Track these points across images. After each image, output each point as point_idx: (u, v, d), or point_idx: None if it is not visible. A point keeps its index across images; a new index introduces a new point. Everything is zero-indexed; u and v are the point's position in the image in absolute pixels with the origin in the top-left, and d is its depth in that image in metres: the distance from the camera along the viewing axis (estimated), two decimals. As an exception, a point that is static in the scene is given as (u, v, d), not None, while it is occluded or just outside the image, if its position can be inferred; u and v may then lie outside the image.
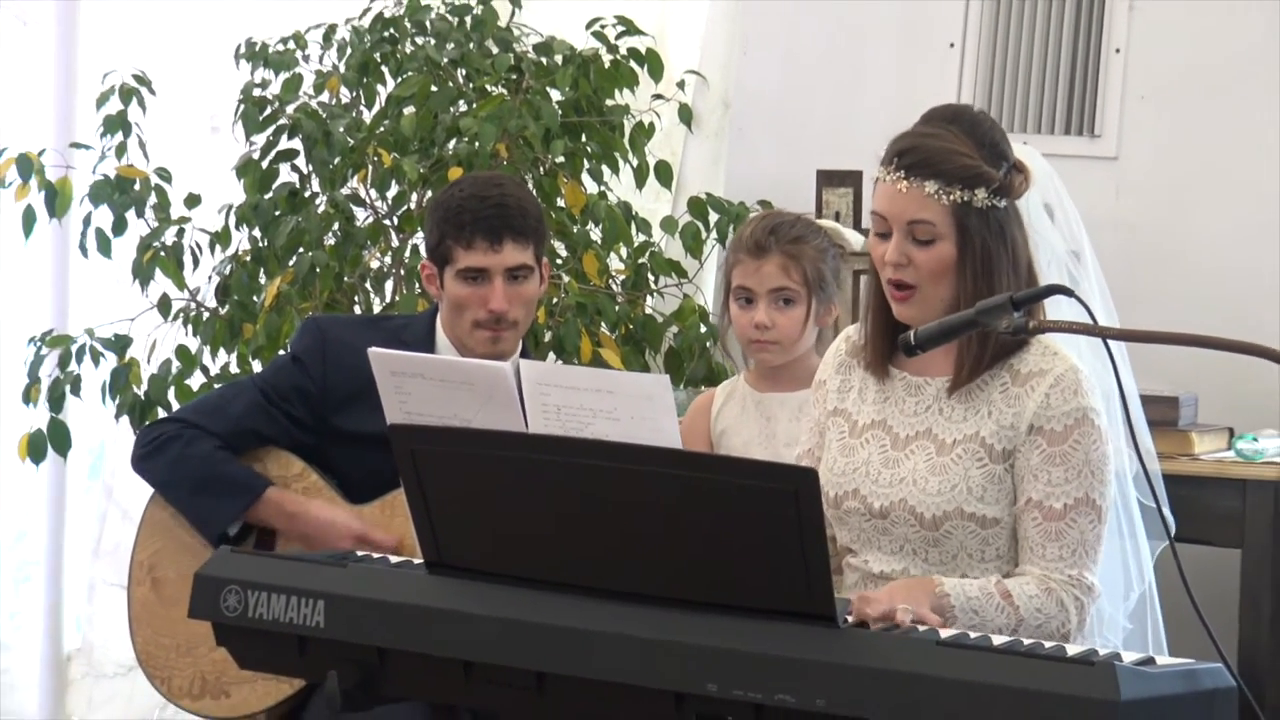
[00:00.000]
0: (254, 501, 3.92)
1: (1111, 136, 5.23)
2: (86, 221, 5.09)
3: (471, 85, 5.04)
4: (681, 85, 5.17)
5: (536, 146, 4.89)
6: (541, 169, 4.96)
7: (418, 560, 3.08)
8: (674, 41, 5.51)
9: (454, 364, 3.42)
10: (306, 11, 5.29)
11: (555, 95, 5.04)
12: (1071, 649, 2.77)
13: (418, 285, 4.90)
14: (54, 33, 5.82)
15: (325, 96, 5.09)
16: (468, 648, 2.86)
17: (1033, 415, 3.20)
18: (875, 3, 5.53)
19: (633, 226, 5.02)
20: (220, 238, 5.11)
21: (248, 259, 5.05)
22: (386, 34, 5.10)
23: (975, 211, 3.20)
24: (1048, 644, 2.83)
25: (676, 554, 2.75)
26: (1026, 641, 2.81)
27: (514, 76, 5.04)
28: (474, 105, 4.96)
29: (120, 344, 5.08)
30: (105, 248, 5.09)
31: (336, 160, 4.98)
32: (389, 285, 5.05)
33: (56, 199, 5.08)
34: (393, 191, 5.03)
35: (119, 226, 5.07)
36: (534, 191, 4.57)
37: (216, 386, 4.82)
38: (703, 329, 4.97)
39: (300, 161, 5.08)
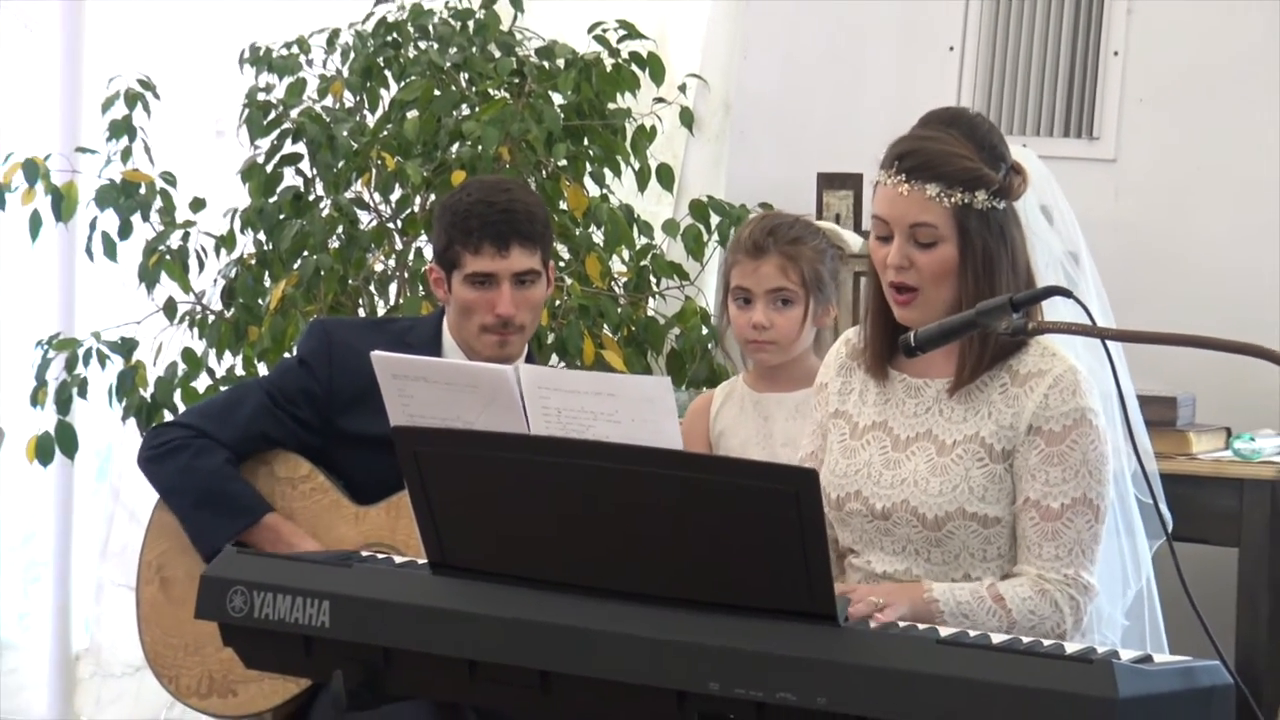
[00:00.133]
0: (252, 524, 3.91)
1: (1110, 139, 5.22)
2: (92, 225, 5.10)
3: (474, 89, 5.03)
4: (683, 89, 5.17)
5: (539, 150, 4.87)
6: (544, 172, 4.95)
7: (421, 561, 3.07)
8: (675, 45, 5.48)
9: (456, 367, 3.41)
10: (310, 16, 5.28)
11: (557, 99, 5.02)
12: (1070, 647, 2.76)
13: (421, 288, 4.90)
14: (59, 38, 5.83)
15: (329, 101, 5.09)
16: (472, 647, 2.85)
17: (1031, 415, 3.20)
18: (875, 6, 5.51)
19: (634, 229, 5.01)
20: (225, 241, 5.11)
21: (252, 262, 5.05)
22: (390, 38, 5.09)
23: (976, 213, 3.21)
24: (1046, 642, 2.81)
25: (678, 554, 2.75)
26: (1025, 640, 2.79)
27: (516, 80, 5.01)
28: (477, 109, 4.94)
29: (126, 347, 5.09)
30: (111, 251, 5.09)
31: (340, 164, 4.97)
32: (393, 288, 5.05)
33: (62, 203, 5.08)
34: (396, 195, 5.02)
35: (125, 230, 5.07)
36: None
37: (223, 389, 4.80)
38: (704, 331, 4.97)
39: (304, 165, 5.07)
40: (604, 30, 5.08)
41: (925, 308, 3.23)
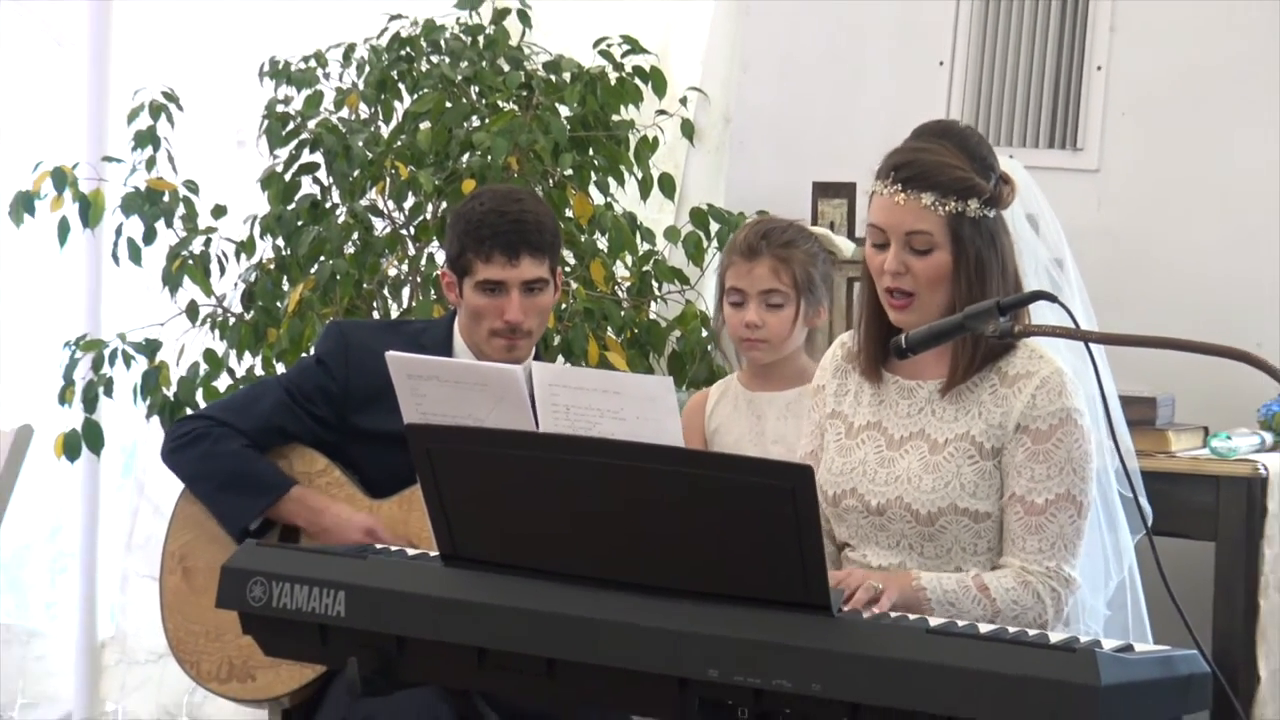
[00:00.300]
0: (279, 499, 3.92)
1: (1093, 150, 5.23)
2: (118, 232, 5.12)
3: (484, 101, 5.05)
4: (684, 101, 5.18)
5: (546, 160, 4.89)
6: (551, 181, 4.96)
7: (433, 553, 3.10)
8: (677, 59, 5.48)
9: (468, 367, 3.43)
10: (327, 31, 5.30)
11: (564, 111, 5.03)
12: (1054, 636, 2.79)
13: (433, 292, 4.90)
14: (87, 52, 5.83)
15: (345, 112, 5.11)
16: (482, 636, 2.89)
17: (1019, 415, 3.25)
18: (868, 23, 5.51)
19: (637, 236, 5.03)
20: (245, 247, 5.14)
21: (271, 267, 5.08)
22: (403, 53, 5.11)
23: (969, 221, 3.25)
24: (1032, 632, 2.85)
25: (680, 547, 2.79)
26: (1012, 629, 2.85)
27: (524, 93, 5.04)
28: (486, 120, 4.97)
29: (150, 348, 5.11)
30: (136, 256, 5.13)
31: (356, 173, 4.99)
32: (406, 292, 5.06)
33: (90, 210, 5.11)
34: (409, 202, 5.04)
35: (149, 236, 5.10)
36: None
37: (243, 387, 4.72)
38: (704, 333, 4.96)
39: (321, 174, 5.09)
40: (609, 45, 5.10)
41: (921, 311, 3.27)
